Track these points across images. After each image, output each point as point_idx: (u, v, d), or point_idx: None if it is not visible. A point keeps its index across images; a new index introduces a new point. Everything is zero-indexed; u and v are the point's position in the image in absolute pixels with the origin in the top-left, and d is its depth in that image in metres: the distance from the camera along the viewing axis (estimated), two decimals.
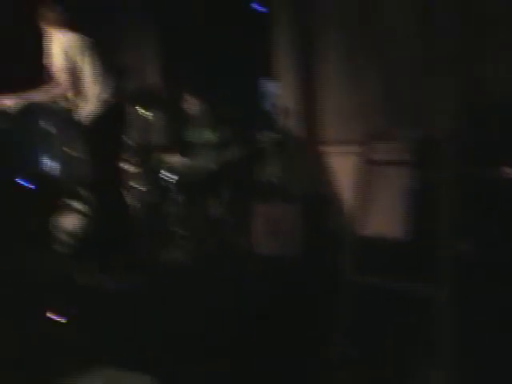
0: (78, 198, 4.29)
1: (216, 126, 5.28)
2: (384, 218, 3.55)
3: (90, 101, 3.97)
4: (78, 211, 4.29)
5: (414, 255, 3.18)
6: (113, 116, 4.08)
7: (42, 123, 4.20)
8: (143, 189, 5.11)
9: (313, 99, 5.28)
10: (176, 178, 5.03)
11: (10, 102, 3.80)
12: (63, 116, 4.16)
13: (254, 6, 6.42)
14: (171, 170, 5.10)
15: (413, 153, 3.43)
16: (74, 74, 3.91)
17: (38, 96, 3.89)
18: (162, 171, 5.08)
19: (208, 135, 5.27)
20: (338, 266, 3.16)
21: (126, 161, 5.14)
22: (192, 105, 5.44)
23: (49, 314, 3.17)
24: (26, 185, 4.27)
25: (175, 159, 5.24)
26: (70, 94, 3.97)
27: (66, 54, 3.87)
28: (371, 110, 4.84)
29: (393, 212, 3.52)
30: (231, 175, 5.18)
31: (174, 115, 5.50)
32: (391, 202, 3.55)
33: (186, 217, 4.95)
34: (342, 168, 4.88)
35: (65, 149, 4.12)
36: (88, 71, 3.98)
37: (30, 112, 3.98)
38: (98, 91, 4.00)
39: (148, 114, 4.99)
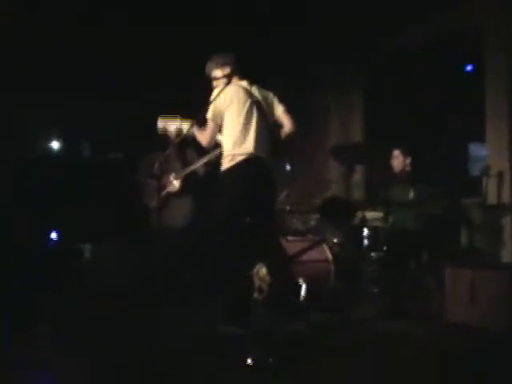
0: None
1: (422, 185, 5.22)
2: None
3: (229, 154, 3.65)
4: None
5: None
6: (251, 172, 3.62)
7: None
8: (343, 244, 5.21)
9: None
10: (375, 235, 5.07)
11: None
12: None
13: (468, 68, 6.30)
14: (371, 227, 5.15)
15: None
16: (217, 124, 3.69)
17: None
18: (363, 228, 5.16)
19: (412, 194, 5.22)
20: None
21: (327, 217, 5.29)
22: (398, 163, 5.45)
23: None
24: None
25: (377, 216, 5.29)
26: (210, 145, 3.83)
27: (215, 105, 3.65)
28: None
29: None
30: (433, 237, 5.06)
31: (378, 173, 5.54)
32: None
33: (383, 276, 4.92)
34: None
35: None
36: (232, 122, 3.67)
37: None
38: (235, 145, 3.64)
39: (350, 170, 5.04)
